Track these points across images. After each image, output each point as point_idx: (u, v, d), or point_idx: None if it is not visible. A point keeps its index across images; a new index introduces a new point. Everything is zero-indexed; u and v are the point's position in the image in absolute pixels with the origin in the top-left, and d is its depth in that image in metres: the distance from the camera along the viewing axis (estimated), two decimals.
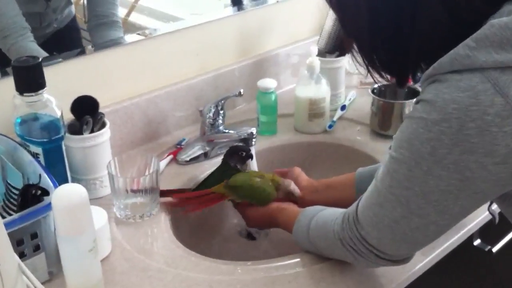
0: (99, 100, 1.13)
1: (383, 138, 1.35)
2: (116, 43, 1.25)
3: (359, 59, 0.84)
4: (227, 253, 1.21)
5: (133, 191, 1.07)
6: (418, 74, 0.80)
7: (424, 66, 0.78)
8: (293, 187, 1.12)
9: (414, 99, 0.78)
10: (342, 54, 1.44)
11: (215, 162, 1.27)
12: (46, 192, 0.87)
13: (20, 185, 0.95)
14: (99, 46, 1.23)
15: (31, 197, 0.86)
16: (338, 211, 0.93)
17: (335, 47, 1.44)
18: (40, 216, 0.85)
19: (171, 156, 1.27)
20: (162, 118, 1.33)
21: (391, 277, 0.93)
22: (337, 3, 0.82)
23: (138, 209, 1.08)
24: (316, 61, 1.33)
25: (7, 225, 0.75)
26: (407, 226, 0.77)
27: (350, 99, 1.49)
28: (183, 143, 1.31)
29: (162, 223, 1.08)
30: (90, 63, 1.21)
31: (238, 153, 1.14)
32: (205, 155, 1.28)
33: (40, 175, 0.88)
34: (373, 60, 0.82)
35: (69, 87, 1.15)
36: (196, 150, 1.28)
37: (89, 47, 1.23)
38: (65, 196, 0.76)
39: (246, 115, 1.43)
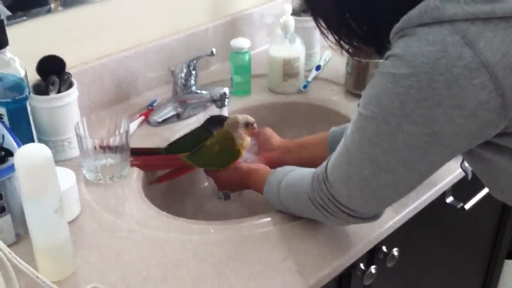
0: (66, 60, 1.10)
1: (358, 97, 1.31)
2: (84, 0, 1.20)
3: (331, 37, 0.83)
4: (199, 213, 1.20)
5: (102, 152, 1.05)
6: None
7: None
8: (242, 117, 1.08)
9: None
10: None
11: (188, 123, 1.26)
12: (10, 153, 0.84)
13: None
14: (66, 3, 1.18)
15: None
16: (308, 171, 0.92)
17: None
18: (4, 178, 0.83)
19: (142, 117, 1.25)
20: (132, 79, 1.30)
21: (362, 233, 0.93)
22: None
23: (108, 170, 1.06)
24: (291, 20, 1.30)
25: None
26: (376, 183, 0.77)
27: (325, 59, 1.47)
28: (154, 104, 1.29)
29: (133, 184, 1.07)
30: (56, 21, 1.16)
31: (219, 120, 1.13)
32: (178, 116, 1.26)
33: (3, 136, 0.85)
34: (345, 34, 0.80)
35: (34, 47, 1.11)
36: (168, 111, 1.25)
37: (53, 5, 1.18)
38: (27, 156, 0.74)
39: (219, 76, 1.41)
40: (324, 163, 0.86)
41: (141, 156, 1.12)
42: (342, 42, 0.83)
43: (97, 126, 1.09)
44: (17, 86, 0.95)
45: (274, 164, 1.13)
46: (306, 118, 1.35)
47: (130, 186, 1.06)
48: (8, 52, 0.94)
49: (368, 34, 0.80)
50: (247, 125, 1.09)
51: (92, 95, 1.23)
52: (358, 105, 0.77)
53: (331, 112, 1.33)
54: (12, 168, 0.82)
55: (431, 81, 0.66)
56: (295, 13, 1.39)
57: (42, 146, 0.76)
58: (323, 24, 0.82)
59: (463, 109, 0.67)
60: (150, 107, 1.28)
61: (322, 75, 1.43)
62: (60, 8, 1.16)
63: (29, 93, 0.98)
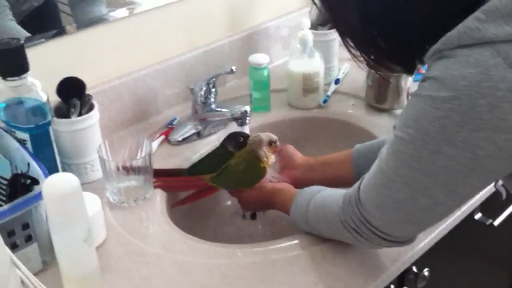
0: (85, 80, 1.09)
1: (379, 111, 1.32)
2: (101, 19, 1.19)
3: (360, 57, 0.81)
4: (223, 234, 1.19)
5: (126, 174, 1.04)
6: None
7: (429, 47, 0.75)
8: (265, 135, 1.07)
9: (414, 76, 0.75)
10: None
11: (208, 141, 1.25)
12: (36, 181, 0.83)
13: (7, 174, 0.92)
14: (82, 23, 1.17)
15: (21, 186, 0.82)
16: (337, 192, 0.90)
17: (327, 19, 1.40)
18: (31, 206, 0.81)
19: (162, 137, 1.23)
20: (151, 97, 1.29)
21: (394, 255, 0.91)
22: (326, 4, 0.80)
23: (131, 192, 1.05)
24: (309, 34, 1.29)
25: None
26: (413, 207, 0.75)
27: (344, 72, 1.46)
28: (174, 123, 1.27)
29: (157, 206, 1.05)
30: (74, 42, 1.15)
31: (236, 138, 1.11)
32: (198, 135, 1.24)
33: (28, 164, 0.84)
34: (373, 54, 0.79)
35: (53, 68, 1.10)
36: (188, 130, 1.24)
37: (70, 25, 1.17)
38: (56, 186, 0.73)
39: (237, 91, 1.39)
40: (356, 185, 0.85)
41: (164, 178, 1.11)
42: (372, 63, 0.81)
43: (118, 147, 1.08)
44: (40, 110, 0.94)
45: (297, 182, 1.11)
46: (327, 134, 1.33)
47: (154, 209, 1.04)
48: (29, 76, 0.93)
49: (398, 53, 0.79)
50: (271, 143, 1.08)
51: (112, 115, 1.22)
52: (394, 127, 0.76)
53: (353, 127, 1.31)
54: (38, 196, 0.81)
55: (473, 104, 0.65)
56: (312, 26, 1.38)
57: (70, 175, 0.75)
58: (351, 43, 0.81)
59: (506, 132, 0.66)
60: (170, 126, 1.27)
61: (341, 89, 1.41)
62: (75, 29, 1.15)
63: (52, 117, 0.97)
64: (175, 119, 1.29)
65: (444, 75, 0.67)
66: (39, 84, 0.94)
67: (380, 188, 0.78)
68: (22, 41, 0.90)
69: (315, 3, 0.82)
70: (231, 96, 1.37)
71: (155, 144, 1.20)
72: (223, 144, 1.13)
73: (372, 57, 0.80)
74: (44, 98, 0.94)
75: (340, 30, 0.81)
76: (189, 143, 1.23)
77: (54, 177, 0.74)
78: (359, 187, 0.83)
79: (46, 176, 0.83)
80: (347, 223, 0.84)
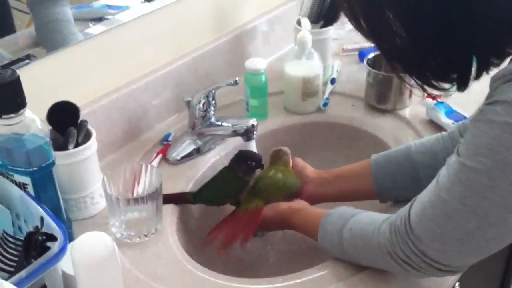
0: (73, 101, 0.98)
1: (381, 112, 1.27)
2: (84, 35, 1.07)
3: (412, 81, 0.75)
4: (235, 253, 1.11)
5: (134, 205, 0.94)
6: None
7: (495, 60, 0.70)
8: (285, 149, 1.07)
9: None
10: (328, 23, 1.33)
11: (209, 158, 1.16)
12: (52, 237, 0.73)
13: (8, 225, 0.81)
14: (62, 42, 1.04)
15: (35, 245, 0.72)
16: (376, 218, 0.84)
17: (320, 16, 1.33)
18: (50, 268, 0.71)
19: (160, 156, 1.14)
20: (142, 112, 1.18)
21: (440, 280, 0.86)
22: (369, 30, 0.74)
23: (141, 226, 0.96)
24: (308, 36, 1.21)
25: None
26: (481, 238, 0.70)
27: (337, 70, 1.39)
28: (169, 139, 1.18)
29: (169, 239, 0.97)
30: (56, 61, 1.03)
31: (246, 163, 1.01)
32: (197, 151, 1.15)
33: (42, 218, 0.74)
34: (427, 77, 0.73)
35: (37, 91, 0.98)
36: (187, 146, 1.15)
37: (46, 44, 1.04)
38: (90, 251, 0.64)
39: (230, 97, 1.30)
40: (402, 213, 0.79)
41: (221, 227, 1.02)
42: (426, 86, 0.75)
43: (119, 179, 0.98)
44: (41, 150, 0.83)
45: (312, 198, 1.05)
46: (328, 139, 1.27)
47: (167, 242, 0.96)
48: (27, 112, 0.81)
49: (455, 69, 0.73)
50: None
51: (103, 136, 1.10)
52: (457, 154, 0.70)
53: (356, 131, 1.26)
54: (58, 256, 0.71)
55: None
56: (297, 22, 1.30)
57: (103, 236, 0.66)
58: (402, 71, 0.74)
59: None
60: (165, 142, 1.17)
61: (338, 88, 1.34)
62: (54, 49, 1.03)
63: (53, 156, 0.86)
64: (169, 134, 1.19)
65: None
66: (38, 119, 0.83)
67: (440, 219, 0.72)
68: (17, 73, 0.78)
69: (360, 31, 0.74)
70: (223, 104, 1.28)
71: (153, 165, 1.10)
72: (231, 167, 1.03)
73: (425, 79, 0.74)
74: (45, 135, 0.83)
75: (388, 55, 0.75)
76: (189, 160, 1.14)
77: (84, 238, 0.65)
78: (408, 216, 0.77)
79: (62, 231, 0.73)
80: (397, 255, 0.79)
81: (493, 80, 0.68)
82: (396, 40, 0.72)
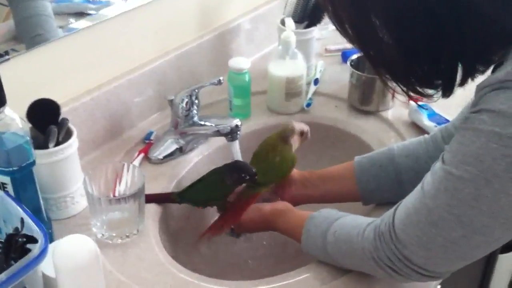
0: (54, 99, 0.96)
1: (364, 114, 1.27)
2: (65, 30, 1.05)
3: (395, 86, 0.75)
4: (218, 255, 1.11)
5: (117, 204, 0.93)
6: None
7: (481, 68, 0.70)
8: (297, 125, 1.05)
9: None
10: (312, 24, 1.32)
11: (191, 157, 1.15)
12: (33, 239, 0.71)
13: None
14: (47, 36, 1.02)
15: (15, 247, 0.70)
16: (360, 222, 0.84)
17: (304, 16, 1.32)
18: (31, 271, 0.69)
19: (142, 155, 1.12)
20: (124, 110, 1.16)
21: (423, 284, 0.87)
22: (354, 35, 0.72)
23: (123, 226, 0.94)
24: (292, 36, 1.21)
25: None
26: (466, 246, 0.70)
27: (321, 70, 1.39)
28: (151, 137, 1.16)
29: (152, 240, 0.95)
30: (37, 58, 1.01)
31: (240, 174, 0.98)
32: (180, 150, 1.14)
33: (22, 219, 0.72)
34: (412, 83, 0.72)
35: (17, 88, 0.96)
36: (169, 145, 1.13)
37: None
38: (71, 255, 0.62)
39: (212, 96, 1.29)
40: (386, 219, 0.79)
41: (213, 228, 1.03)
42: (409, 91, 0.74)
43: (98, 173, 0.96)
44: (21, 149, 0.81)
45: (295, 199, 1.05)
46: (311, 140, 1.24)
47: (150, 244, 0.95)
48: (7, 110, 0.79)
49: (441, 76, 0.72)
50: (302, 133, 1.05)
51: (84, 134, 1.08)
52: (443, 161, 0.70)
53: (339, 132, 1.25)
54: (39, 258, 0.69)
55: None
56: (281, 22, 1.30)
57: (86, 239, 0.64)
58: (387, 76, 0.74)
59: None
60: (147, 141, 1.16)
61: (321, 89, 1.34)
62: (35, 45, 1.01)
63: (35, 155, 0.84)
64: (151, 132, 1.17)
65: (510, 109, 0.62)
66: (18, 117, 0.81)
67: (425, 226, 0.72)
68: None
69: (348, 39, 0.74)
70: (206, 102, 1.26)
71: (135, 164, 1.09)
72: (221, 173, 1.00)
73: (410, 86, 0.73)
74: (25, 134, 0.81)
75: (374, 62, 0.74)
76: (172, 159, 1.13)
77: (67, 242, 0.63)
78: (393, 221, 0.77)
79: (43, 233, 0.71)
80: (381, 260, 0.78)
81: (479, 88, 0.68)
82: (381, 46, 0.71)
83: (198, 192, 1.02)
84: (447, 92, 0.74)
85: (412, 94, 0.74)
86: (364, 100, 1.26)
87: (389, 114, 1.25)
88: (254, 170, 0.98)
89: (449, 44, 0.68)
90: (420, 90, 0.74)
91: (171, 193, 1.04)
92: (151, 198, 1.01)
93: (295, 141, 1.04)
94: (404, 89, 0.74)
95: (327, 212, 0.91)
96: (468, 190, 0.67)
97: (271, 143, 1.04)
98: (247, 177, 0.98)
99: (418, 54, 0.71)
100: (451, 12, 0.66)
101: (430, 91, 0.75)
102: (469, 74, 0.71)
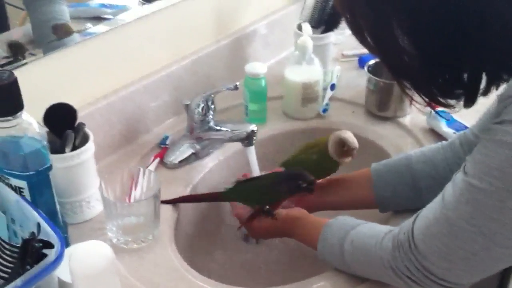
0: (71, 103, 0.96)
1: (382, 120, 1.25)
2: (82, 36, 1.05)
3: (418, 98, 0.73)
4: (232, 261, 1.10)
5: (131, 211, 0.93)
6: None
7: (506, 76, 0.68)
8: (344, 135, 1.01)
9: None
10: (329, 29, 1.32)
11: (207, 162, 1.15)
12: (49, 244, 0.71)
13: (1, 229, 0.79)
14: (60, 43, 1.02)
15: (31, 252, 0.70)
16: (378, 230, 0.83)
17: (320, 21, 1.31)
18: (47, 276, 0.69)
19: (157, 159, 1.12)
20: (140, 115, 1.16)
21: None
22: (375, 45, 0.70)
23: (137, 231, 0.94)
24: (309, 41, 1.20)
25: None
26: (488, 258, 0.69)
27: (337, 75, 1.38)
28: (167, 142, 1.16)
29: (167, 246, 0.95)
30: (54, 62, 1.01)
31: (296, 182, 0.93)
32: (196, 155, 1.13)
33: (39, 225, 0.72)
34: (434, 93, 0.71)
35: (34, 93, 0.96)
36: (185, 150, 1.13)
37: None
38: (88, 261, 0.62)
39: (228, 101, 1.28)
40: (405, 228, 0.77)
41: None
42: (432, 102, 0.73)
43: (116, 182, 0.96)
44: (38, 154, 0.81)
45: (310, 206, 1.04)
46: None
47: (165, 249, 0.94)
48: (24, 114, 0.79)
49: (463, 85, 0.71)
50: (347, 150, 1.01)
51: (100, 139, 1.08)
52: (465, 172, 0.69)
53: (357, 138, 1.23)
54: (55, 263, 0.69)
55: None
56: (298, 27, 1.29)
57: (102, 245, 0.64)
58: (408, 85, 0.72)
59: None
60: (163, 146, 1.15)
61: (338, 94, 1.33)
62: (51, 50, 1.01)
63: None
64: (167, 137, 1.17)
65: None
66: (34, 121, 0.81)
67: (446, 238, 0.71)
68: (14, 74, 0.76)
69: (367, 48, 0.72)
70: (221, 107, 1.26)
71: (151, 168, 1.09)
72: (275, 177, 0.96)
73: (432, 96, 0.72)
74: (42, 139, 0.81)
75: (394, 72, 0.73)
76: (187, 164, 1.13)
77: (84, 248, 0.63)
78: (412, 232, 0.76)
79: (59, 238, 0.71)
80: (400, 270, 0.77)
81: (502, 98, 0.66)
82: (403, 55, 0.69)
83: (248, 192, 1.00)
84: (470, 101, 0.72)
85: (434, 104, 0.73)
86: (381, 106, 1.25)
87: (407, 120, 1.24)
88: (312, 178, 0.93)
89: (473, 52, 0.67)
90: (442, 100, 0.73)
91: (219, 193, 1.04)
92: (194, 198, 1.04)
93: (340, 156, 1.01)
94: (426, 99, 0.72)
95: (344, 220, 0.90)
96: (491, 202, 0.66)
97: (318, 141, 1.04)
98: (304, 185, 0.93)
99: (441, 63, 0.69)
100: (475, 19, 0.65)
101: (451, 101, 0.74)
102: (493, 83, 0.69)
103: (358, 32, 0.72)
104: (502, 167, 0.64)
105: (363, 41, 0.72)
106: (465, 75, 0.69)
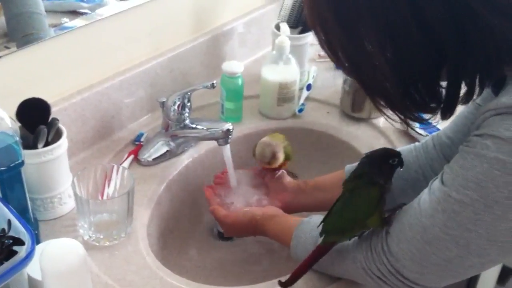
0: (44, 98, 0.95)
1: (356, 121, 1.26)
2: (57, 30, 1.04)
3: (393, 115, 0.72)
4: (205, 259, 1.10)
5: (103, 209, 0.92)
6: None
7: (488, 81, 0.69)
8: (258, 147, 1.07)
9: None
10: (306, 29, 1.32)
11: (182, 160, 1.14)
12: (19, 241, 0.70)
13: None
14: (30, 38, 1.00)
15: (1, 249, 0.69)
16: None
17: (298, 21, 1.32)
18: (17, 273, 0.68)
19: (132, 156, 1.11)
20: (115, 111, 1.15)
21: None
22: (351, 65, 0.70)
23: (110, 229, 0.93)
24: (287, 41, 1.20)
25: None
26: (460, 265, 0.70)
27: (314, 76, 1.38)
28: (142, 139, 1.15)
29: (140, 243, 0.95)
30: (28, 57, 1.00)
31: (387, 161, 0.78)
32: (170, 152, 1.13)
33: (9, 221, 0.71)
34: (409, 108, 0.70)
35: (6, 87, 0.95)
36: (160, 147, 1.12)
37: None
38: (59, 259, 0.61)
39: (204, 99, 1.28)
40: (380, 231, 0.78)
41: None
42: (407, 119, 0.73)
43: (89, 179, 0.96)
44: (10, 150, 0.80)
45: (287, 207, 1.05)
46: (303, 145, 1.26)
47: (137, 247, 0.94)
48: None
49: (440, 99, 0.70)
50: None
51: (73, 134, 1.07)
52: (442, 182, 0.69)
53: (331, 138, 1.25)
54: (26, 261, 0.68)
55: None
56: (276, 27, 1.29)
57: (74, 243, 0.63)
58: (382, 103, 0.72)
59: None
60: (137, 143, 1.15)
61: (313, 95, 1.34)
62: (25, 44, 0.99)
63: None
64: (142, 134, 1.16)
65: None
66: (7, 116, 0.80)
67: (420, 244, 0.71)
68: None
69: (342, 68, 0.72)
70: (197, 105, 1.25)
71: (124, 165, 1.08)
72: (367, 175, 0.78)
73: (407, 113, 0.72)
74: (15, 133, 0.80)
75: (370, 91, 0.72)
76: (162, 162, 1.12)
77: (54, 246, 0.62)
78: (386, 236, 0.76)
79: (30, 235, 0.70)
80: (371, 270, 0.78)
81: (482, 111, 0.66)
82: (377, 73, 0.68)
83: (345, 218, 0.81)
84: (448, 113, 0.72)
85: (408, 120, 0.73)
86: (356, 107, 1.26)
87: (381, 121, 1.25)
88: (398, 152, 0.79)
89: (451, 62, 0.66)
90: (417, 115, 0.72)
91: (323, 246, 0.82)
92: (311, 262, 0.84)
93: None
94: (402, 117, 0.72)
95: (318, 219, 0.90)
96: (466, 213, 0.66)
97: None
98: (396, 161, 0.78)
99: (417, 77, 0.68)
100: (452, 28, 0.64)
101: (426, 116, 0.74)
102: (473, 92, 0.69)
103: (332, 52, 0.71)
104: (479, 180, 0.64)
105: (337, 61, 0.71)
106: (442, 89, 0.69)
